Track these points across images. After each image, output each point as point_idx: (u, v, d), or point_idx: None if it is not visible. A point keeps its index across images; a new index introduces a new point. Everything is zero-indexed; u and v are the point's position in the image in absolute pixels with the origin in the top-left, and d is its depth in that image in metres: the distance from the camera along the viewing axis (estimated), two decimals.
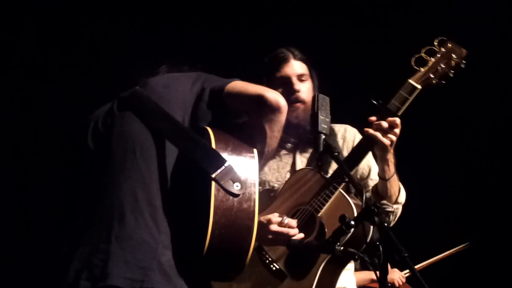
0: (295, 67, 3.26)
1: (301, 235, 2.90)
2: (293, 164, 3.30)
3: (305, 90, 3.22)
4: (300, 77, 3.25)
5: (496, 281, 5.15)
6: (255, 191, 2.35)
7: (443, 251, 4.99)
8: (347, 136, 3.35)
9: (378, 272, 2.27)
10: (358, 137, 3.33)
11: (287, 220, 2.90)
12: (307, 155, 3.33)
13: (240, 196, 2.32)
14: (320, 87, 3.30)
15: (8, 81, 4.76)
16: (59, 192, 2.65)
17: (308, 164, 3.29)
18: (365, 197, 2.32)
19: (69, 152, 2.62)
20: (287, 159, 3.31)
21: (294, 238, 2.85)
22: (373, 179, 3.26)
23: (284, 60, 3.26)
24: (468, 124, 5.18)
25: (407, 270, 4.72)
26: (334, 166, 3.11)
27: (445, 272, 4.98)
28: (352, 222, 2.31)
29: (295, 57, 3.28)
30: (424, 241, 4.71)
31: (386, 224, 2.25)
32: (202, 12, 5.03)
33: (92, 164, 2.49)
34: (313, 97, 2.58)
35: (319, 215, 3.02)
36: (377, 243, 2.23)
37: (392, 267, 4.71)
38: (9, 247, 4.64)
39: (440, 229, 5.11)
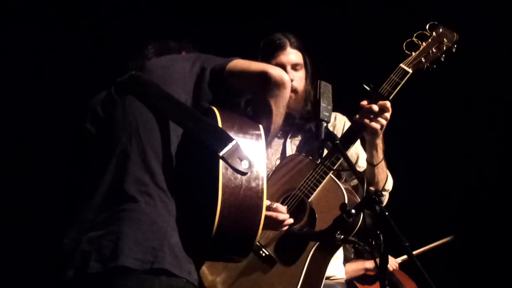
0: (291, 56, 3.25)
1: (291, 220, 2.89)
2: (283, 151, 3.30)
3: (298, 79, 3.23)
4: (294, 66, 3.24)
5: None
6: (263, 170, 2.32)
7: (425, 245, 4.99)
8: (337, 124, 3.35)
9: (377, 260, 2.27)
10: (347, 125, 3.33)
11: (275, 204, 2.88)
12: (296, 141, 3.33)
13: (248, 174, 2.29)
14: (313, 74, 3.30)
15: (7, 80, 4.71)
16: (63, 181, 2.60)
17: (298, 150, 3.29)
18: (366, 185, 2.31)
19: (72, 143, 2.56)
20: (277, 147, 3.31)
21: (284, 224, 2.83)
22: (361, 167, 3.26)
23: (281, 48, 3.24)
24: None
25: (402, 257, 4.72)
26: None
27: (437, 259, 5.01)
28: (353, 211, 2.30)
29: (291, 45, 3.27)
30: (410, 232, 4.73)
31: (387, 213, 2.25)
32: None
33: (96, 151, 2.45)
34: (315, 84, 2.57)
35: (309, 200, 3.02)
36: (378, 231, 2.23)
37: None
38: (13, 237, 4.61)
39: (425, 221, 5.14)
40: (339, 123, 3.35)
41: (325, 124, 2.46)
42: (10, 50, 4.74)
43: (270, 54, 3.23)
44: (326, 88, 2.54)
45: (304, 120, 3.25)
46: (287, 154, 3.26)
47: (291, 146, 3.31)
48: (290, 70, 3.22)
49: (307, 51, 3.32)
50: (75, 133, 2.57)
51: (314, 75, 3.29)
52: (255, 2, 5.00)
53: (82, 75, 4.63)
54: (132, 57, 2.77)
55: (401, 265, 4.75)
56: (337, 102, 3.12)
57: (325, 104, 2.49)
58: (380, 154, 3.09)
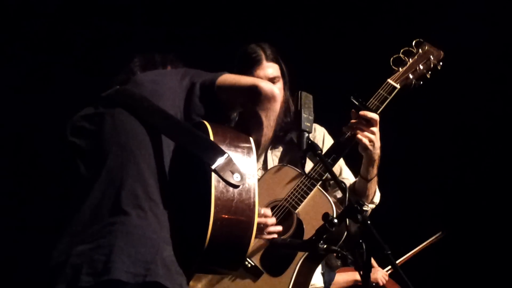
0: (267, 70, 3.24)
1: (279, 228, 2.90)
2: (265, 161, 3.31)
3: None
4: (272, 80, 3.22)
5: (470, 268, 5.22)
6: (255, 182, 2.34)
7: (417, 245, 4.99)
8: (316, 136, 3.36)
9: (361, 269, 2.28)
10: (327, 136, 3.37)
11: (263, 210, 2.89)
12: (278, 152, 3.34)
13: (240, 187, 2.31)
14: (291, 82, 3.31)
15: (7, 81, 4.71)
16: (53, 193, 2.60)
17: (280, 161, 3.31)
18: (348, 195, 2.32)
19: (62, 157, 2.57)
20: (258, 158, 3.29)
21: (272, 230, 2.84)
22: (345, 178, 3.29)
23: (256, 63, 3.23)
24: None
25: (389, 267, 4.71)
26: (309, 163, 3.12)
27: (424, 264, 5.02)
28: (335, 220, 2.31)
29: (267, 58, 3.26)
30: (400, 235, 4.72)
31: (369, 222, 2.26)
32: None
33: (85, 164, 2.45)
34: (296, 95, 2.58)
35: (296, 211, 3.03)
36: (360, 240, 2.24)
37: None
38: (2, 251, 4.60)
39: (412, 222, 5.15)
40: (319, 134, 3.36)
41: (306, 135, 2.47)
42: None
43: (246, 68, 3.22)
44: (307, 99, 2.55)
45: (284, 131, 3.26)
46: (269, 165, 3.28)
47: (272, 157, 3.32)
48: None
49: (283, 60, 3.31)
50: (61, 147, 2.57)
51: (292, 84, 3.30)
52: (237, 13, 5.03)
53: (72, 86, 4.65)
54: (117, 72, 2.79)
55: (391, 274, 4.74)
56: (319, 114, 3.15)
57: (306, 115, 2.50)
58: (375, 170, 3.12)
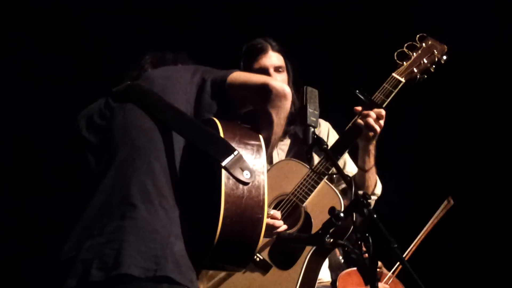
0: (273, 58, 3.31)
1: (285, 227, 2.93)
2: (270, 155, 3.32)
3: (281, 81, 3.22)
4: (277, 69, 3.30)
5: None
6: (264, 179, 2.34)
7: (427, 222, 4.86)
8: (322, 130, 3.39)
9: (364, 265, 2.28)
10: (331, 130, 3.41)
11: (272, 211, 2.93)
12: (283, 146, 3.37)
13: (250, 184, 2.31)
14: (294, 78, 3.36)
15: (6, 82, 4.74)
16: (63, 188, 2.62)
17: (286, 154, 3.33)
18: (354, 188, 2.33)
19: (69, 151, 2.58)
20: None
21: (281, 229, 2.87)
22: (348, 172, 3.32)
23: (262, 51, 3.30)
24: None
25: (392, 271, 4.62)
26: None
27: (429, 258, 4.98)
28: (342, 214, 2.32)
29: (273, 48, 3.32)
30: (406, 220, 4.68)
31: (375, 215, 2.27)
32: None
33: (95, 158, 2.46)
34: (302, 90, 2.59)
35: (304, 205, 3.04)
36: (367, 234, 2.25)
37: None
38: (12, 246, 4.63)
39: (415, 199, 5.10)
40: (324, 129, 3.40)
41: (312, 129, 2.49)
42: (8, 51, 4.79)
43: (253, 58, 3.29)
44: (312, 94, 2.56)
45: (288, 123, 3.26)
46: (274, 159, 3.31)
47: (277, 151, 3.36)
48: (273, 72, 3.28)
49: (287, 56, 3.37)
50: (71, 141, 2.57)
51: (295, 79, 3.35)
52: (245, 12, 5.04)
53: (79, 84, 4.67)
54: (129, 67, 2.81)
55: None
56: (323, 109, 3.16)
57: (311, 109, 2.51)
58: (372, 160, 3.16)
